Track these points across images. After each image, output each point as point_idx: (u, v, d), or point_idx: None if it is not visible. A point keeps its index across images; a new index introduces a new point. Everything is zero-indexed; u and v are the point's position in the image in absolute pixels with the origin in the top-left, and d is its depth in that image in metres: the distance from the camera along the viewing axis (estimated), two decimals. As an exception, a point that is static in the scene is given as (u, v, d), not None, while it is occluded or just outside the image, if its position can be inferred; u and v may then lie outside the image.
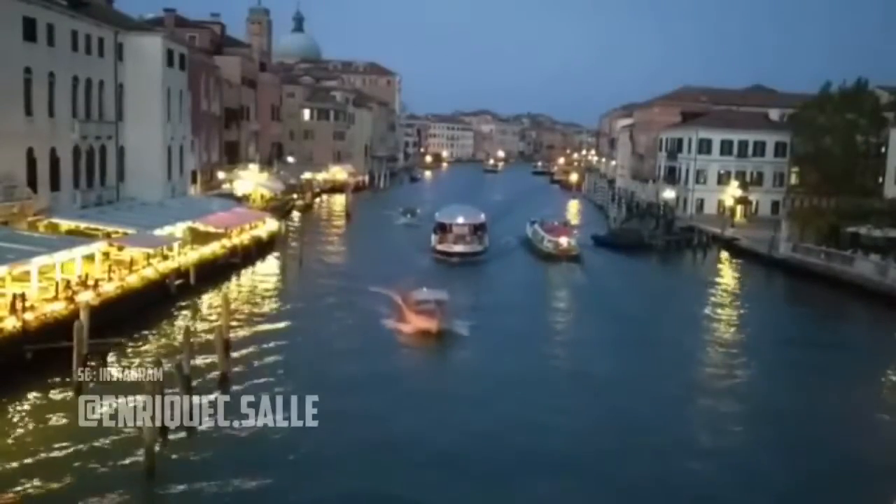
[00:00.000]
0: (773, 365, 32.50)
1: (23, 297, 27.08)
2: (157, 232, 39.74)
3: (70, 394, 24.44)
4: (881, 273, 45.73)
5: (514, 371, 29.68)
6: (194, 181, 60.05)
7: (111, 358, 27.96)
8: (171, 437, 21.52)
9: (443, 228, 56.17)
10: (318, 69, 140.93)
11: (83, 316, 26.72)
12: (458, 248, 53.44)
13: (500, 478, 20.63)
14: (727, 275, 54.43)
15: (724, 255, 61.18)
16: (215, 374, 26.25)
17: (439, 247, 54.32)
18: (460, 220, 56.56)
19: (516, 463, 21.43)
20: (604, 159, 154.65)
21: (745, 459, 22.44)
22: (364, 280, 42.52)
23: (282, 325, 34.48)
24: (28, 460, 19.98)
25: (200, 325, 32.48)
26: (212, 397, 24.76)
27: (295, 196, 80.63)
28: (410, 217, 72.09)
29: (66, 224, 38.65)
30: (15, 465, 19.69)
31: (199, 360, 27.23)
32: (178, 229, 42.77)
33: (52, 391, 24.76)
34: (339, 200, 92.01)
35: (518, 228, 65.58)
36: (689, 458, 22.33)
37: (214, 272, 42.07)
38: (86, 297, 29.47)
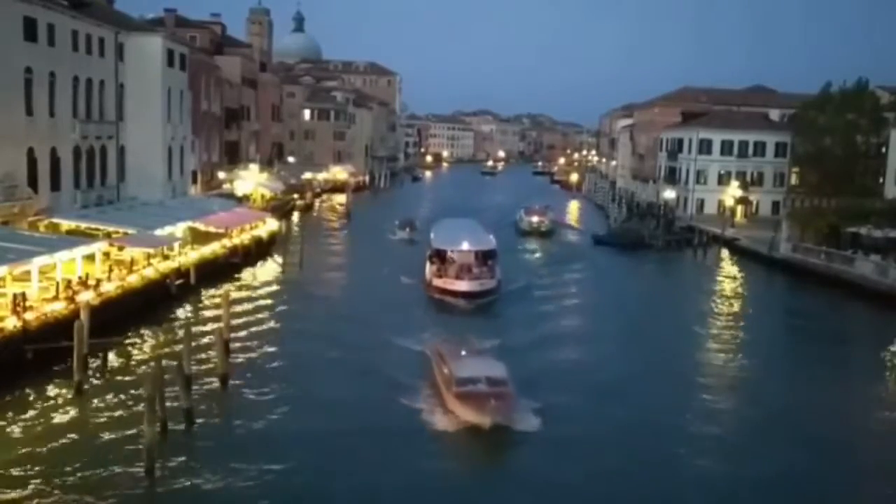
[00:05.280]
0: (772, 365, 32.41)
1: (23, 296, 27.09)
2: (158, 232, 39.75)
3: (70, 393, 24.50)
4: (881, 273, 45.70)
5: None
6: (195, 181, 60.12)
7: (111, 358, 28.03)
8: (170, 437, 21.54)
9: (441, 257, 42.90)
10: (318, 69, 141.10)
11: (84, 316, 26.74)
12: (463, 284, 39.79)
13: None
14: (727, 275, 54.38)
15: (725, 254, 61.18)
16: (215, 374, 26.23)
17: (437, 282, 41.00)
18: (464, 245, 43.01)
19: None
20: (604, 159, 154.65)
21: (744, 459, 22.42)
22: (365, 296, 41.15)
23: (282, 326, 34.47)
24: (28, 460, 19.96)
25: (201, 326, 32.39)
26: (212, 397, 24.90)
27: (295, 196, 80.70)
28: (409, 231, 62.35)
29: (66, 224, 38.67)
30: (15, 464, 19.67)
31: (199, 360, 27.25)
32: (179, 229, 42.77)
33: (52, 391, 24.79)
34: (339, 200, 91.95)
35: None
36: (690, 456, 22.32)
37: (215, 272, 42.05)
38: (86, 296, 29.47)
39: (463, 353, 26.72)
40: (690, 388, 28.03)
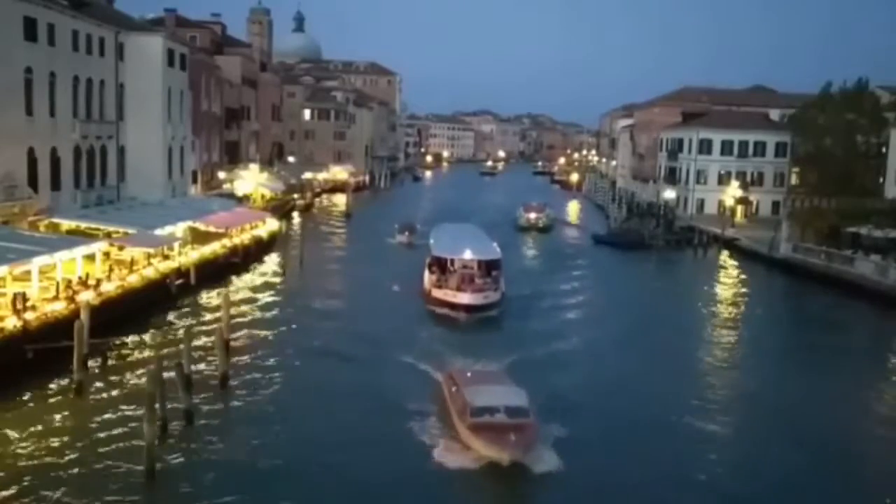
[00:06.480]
0: (772, 364, 32.45)
1: (24, 296, 27.09)
2: (158, 232, 39.74)
3: (70, 393, 24.51)
4: (881, 273, 45.69)
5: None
6: (195, 181, 60.12)
7: (112, 358, 28.05)
8: (170, 436, 21.55)
9: (441, 266, 40.13)
10: (318, 69, 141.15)
11: (84, 315, 26.73)
12: (465, 297, 36.89)
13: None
14: (727, 274, 54.37)
15: (725, 254, 61.20)
16: (215, 374, 26.24)
17: (436, 293, 38.19)
18: (467, 254, 40.06)
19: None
20: (604, 159, 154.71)
21: (742, 457, 22.45)
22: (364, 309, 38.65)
23: (282, 326, 34.42)
24: (28, 460, 19.98)
25: (201, 325, 32.43)
26: (212, 397, 24.90)
27: (295, 196, 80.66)
28: (409, 235, 60.13)
29: (66, 224, 38.68)
30: (15, 463, 19.68)
31: (199, 360, 27.26)
32: (179, 229, 42.76)
33: (52, 391, 24.79)
34: (339, 200, 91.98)
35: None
36: (689, 454, 22.34)
37: (215, 272, 42.03)
38: (86, 296, 29.46)
39: (476, 376, 24.38)
40: (703, 403, 26.82)
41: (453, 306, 37.03)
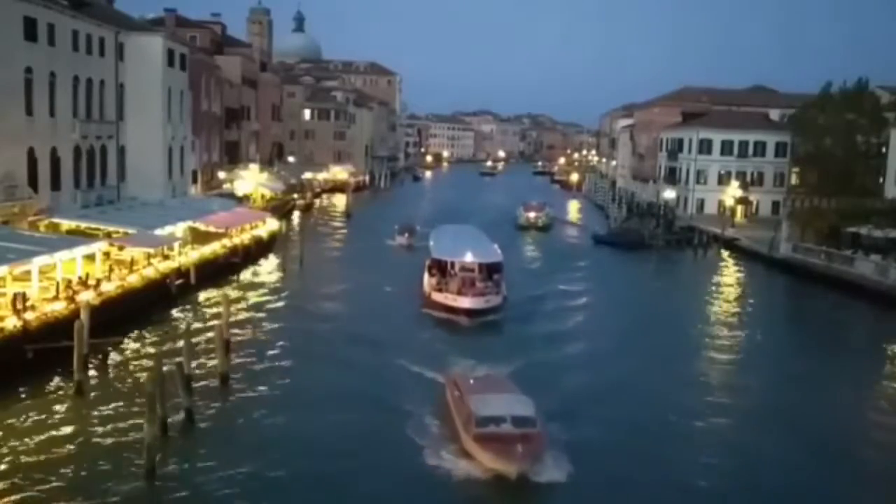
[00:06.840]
0: (772, 365, 32.45)
1: (24, 296, 27.10)
2: (158, 232, 39.75)
3: (70, 393, 24.51)
4: (882, 273, 45.70)
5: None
6: (195, 181, 60.13)
7: (112, 358, 28.06)
8: (171, 436, 21.55)
9: (441, 268, 39.20)
10: (318, 69, 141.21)
11: (84, 315, 26.73)
12: (466, 301, 36.09)
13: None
14: (727, 274, 54.39)
15: (725, 254, 61.19)
16: (215, 374, 26.24)
17: (436, 296, 37.33)
18: (468, 257, 38.94)
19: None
20: (604, 159, 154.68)
21: (744, 458, 22.43)
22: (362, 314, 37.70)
23: (282, 325, 34.44)
24: (28, 460, 19.98)
25: (201, 325, 32.43)
26: (212, 396, 24.91)
27: (295, 196, 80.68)
28: (408, 237, 59.15)
29: (66, 224, 38.69)
30: (15, 464, 19.68)
31: (199, 360, 27.23)
32: (179, 229, 42.78)
33: (52, 390, 24.81)
34: (339, 200, 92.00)
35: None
36: (688, 455, 22.35)
37: (215, 272, 42.06)
38: (86, 296, 29.47)
39: (480, 383, 23.65)
40: (704, 404, 26.65)
41: (454, 310, 36.11)
